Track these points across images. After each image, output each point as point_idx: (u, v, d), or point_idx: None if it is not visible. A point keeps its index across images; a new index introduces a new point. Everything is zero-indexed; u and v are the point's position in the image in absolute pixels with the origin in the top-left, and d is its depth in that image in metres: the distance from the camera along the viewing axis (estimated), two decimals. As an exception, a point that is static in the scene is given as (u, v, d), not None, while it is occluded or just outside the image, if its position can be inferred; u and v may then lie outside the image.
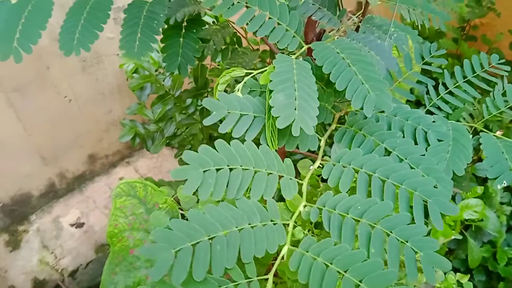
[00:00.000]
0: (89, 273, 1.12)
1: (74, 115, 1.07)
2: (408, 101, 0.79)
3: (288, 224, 0.42)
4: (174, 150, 1.26)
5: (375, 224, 0.39)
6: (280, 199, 0.58)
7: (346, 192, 0.42)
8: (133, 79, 0.88)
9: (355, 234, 0.39)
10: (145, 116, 0.97)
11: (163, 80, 0.95)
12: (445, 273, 0.62)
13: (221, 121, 0.43)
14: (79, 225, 1.13)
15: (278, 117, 0.41)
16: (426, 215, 0.39)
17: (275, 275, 0.62)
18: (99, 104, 1.12)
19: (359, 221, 0.39)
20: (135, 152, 1.28)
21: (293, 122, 0.41)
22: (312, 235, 0.40)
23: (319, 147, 0.49)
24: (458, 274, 0.65)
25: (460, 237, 0.75)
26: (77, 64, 1.02)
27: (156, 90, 0.92)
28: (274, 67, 0.44)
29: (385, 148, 0.48)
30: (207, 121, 0.44)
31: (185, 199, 0.53)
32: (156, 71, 0.96)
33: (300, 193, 0.45)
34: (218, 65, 0.93)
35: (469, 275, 0.65)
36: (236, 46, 0.76)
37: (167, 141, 1.01)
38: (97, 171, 1.21)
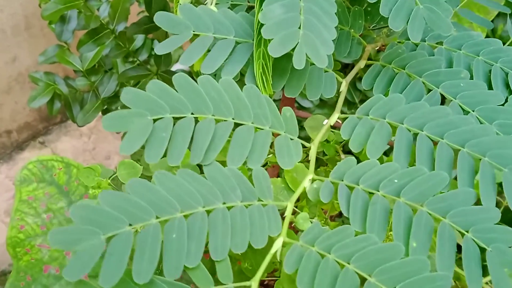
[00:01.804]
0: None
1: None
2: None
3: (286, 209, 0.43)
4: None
5: (420, 205, 0.40)
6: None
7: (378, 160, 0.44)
8: (48, 3, 0.89)
9: (388, 220, 0.41)
10: (70, 65, 0.98)
11: (98, 9, 0.95)
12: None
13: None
14: (-36, 240, 1.15)
15: (271, 39, 0.42)
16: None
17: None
18: (-4, 47, 1.12)
19: (395, 200, 0.41)
20: (54, 125, 1.29)
21: (295, 47, 0.42)
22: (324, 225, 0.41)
23: (337, 95, 0.50)
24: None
25: None
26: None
27: (86, 23, 0.93)
28: (267, -35, 0.45)
29: (442, 95, 0.49)
30: (160, 49, 0.45)
31: (130, 177, 0.54)
32: (86, -6, 0.96)
33: (305, 163, 0.47)
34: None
35: None
36: None
37: (104, 106, 1.02)
38: (-6, 155, 1.22)
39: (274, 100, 0.46)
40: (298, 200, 0.47)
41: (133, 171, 0.59)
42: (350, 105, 0.91)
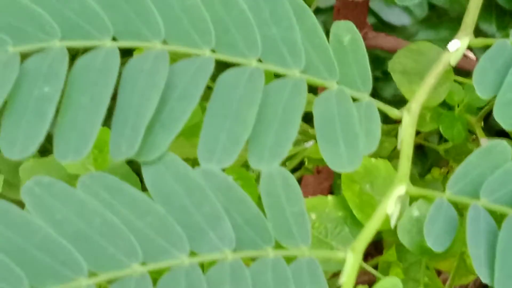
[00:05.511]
0: None
1: None
2: None
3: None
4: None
5: None
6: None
7: None
8: None
9: None
10: None
11: None
12: None
13: None
14: None
15: None
16: None
17: None
18: None
19: None
20: None
21: None
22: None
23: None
24: None
25: None
26: None
27: None
28: None
29: None
30: None
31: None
32: None
33: (388, 152, 0.42)
34: None
35: None
36: None
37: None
38: None
39: (319, 10, 0.44)
40: (377, 246, 0.40)
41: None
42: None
